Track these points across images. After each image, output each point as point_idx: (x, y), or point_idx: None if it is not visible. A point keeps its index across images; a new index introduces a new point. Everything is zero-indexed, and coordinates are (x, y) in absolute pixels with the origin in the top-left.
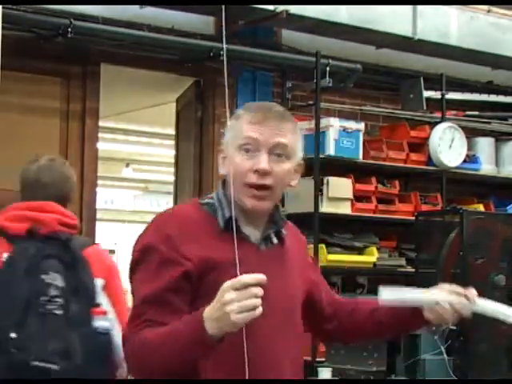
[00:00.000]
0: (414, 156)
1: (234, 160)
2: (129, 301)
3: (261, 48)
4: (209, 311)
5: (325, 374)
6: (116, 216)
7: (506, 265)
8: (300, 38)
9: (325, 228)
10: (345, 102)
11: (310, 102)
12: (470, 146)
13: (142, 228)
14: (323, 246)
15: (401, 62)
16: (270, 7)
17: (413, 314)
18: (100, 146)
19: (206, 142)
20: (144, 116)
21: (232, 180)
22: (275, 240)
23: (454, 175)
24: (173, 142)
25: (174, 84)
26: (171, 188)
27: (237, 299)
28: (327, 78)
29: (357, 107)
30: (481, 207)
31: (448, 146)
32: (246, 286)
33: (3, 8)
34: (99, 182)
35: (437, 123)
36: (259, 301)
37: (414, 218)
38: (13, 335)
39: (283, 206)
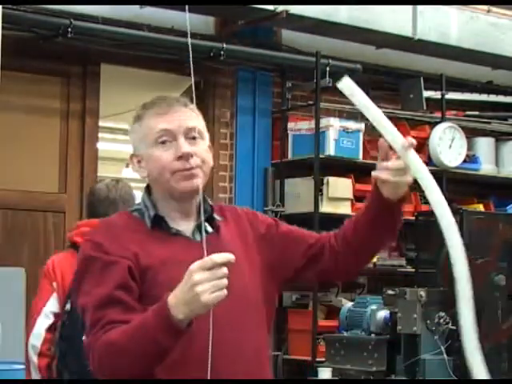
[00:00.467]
0: None
1: (153, 156)
2: None
3: (261, 48)
4: (175, 296)
5: (325, 373)
6: None
7: (506, 265)
8: (300, 37)
9: (325, 228)
10: (345, 102)
11: (310, 102)
12: (470, 146)
13: None
14: None
15: (401, 61)
16: (270, 7)
17: (374, 198)
18: (100, 145)
19: None
20: None
21: (158, 175)
22: (210, 229)
23: (454, 175)
24: None
25: (174, 84)
26: None
27: (208, 279)
28: (327, 78)
29: (357, 107)
30: (481, 207)
31: (448, 145)
32: (217, 265)
33: (3, 8)
34: None
35: (437, 123)
36: (226, 280)
37: (414, 217)
38: None
39: (283, 206)
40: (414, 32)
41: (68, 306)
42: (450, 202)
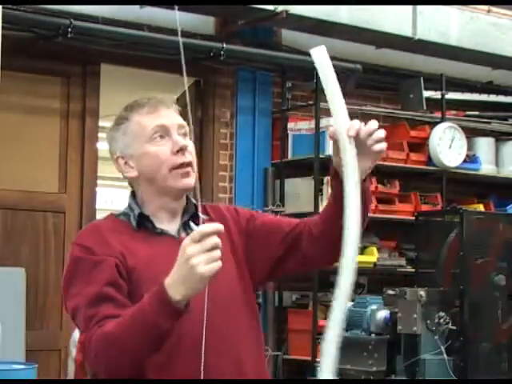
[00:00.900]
0: (413, 156)
1: (149, 153)
2: None
3: (261, 48)
4: (171, 278)
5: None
6: None
7: (506, 265)
8: (300, 37)
9: None
10: (345, 102)
11: (310, 102)
12: (470, 146)
13: None
14: None
15: (401, 61)
16: (270, 7)
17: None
18: (100, 146)
19: (205, 142)
20: None
21: (155, 172)
22: (195, 227)
23: (454, 175)
24: None
25: (174, 84)
26: None
27: (201, 250)
28: None
29: (357, 107)
30: (481, 207)
31: (448, 146)
32: (206, 235)
33: (3, 8)
34: (99, 181)
35: (437, 123)
36: (219, 252)
37: (414, 217)
38: None
39: (283, 205)
40: (413, 32)
41: None
42: (450, 202)
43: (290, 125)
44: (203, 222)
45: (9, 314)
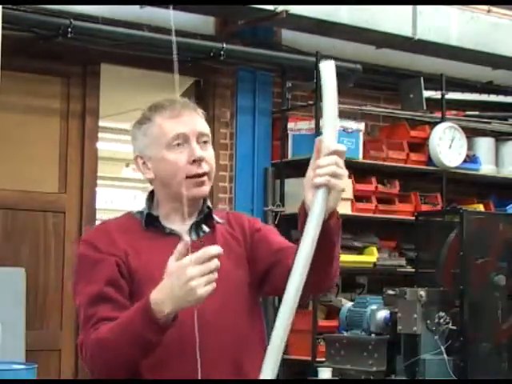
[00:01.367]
0: (413, 156)
1: (166, 159)
2: None
3: (261, 48)
4: (161, 292)
5: (325, 373)
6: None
7: (506, 265)
8: (300, 37)
9: None
10: (345, 102)
11: (310, 102)
12: (470, 146)
13: None
14: None
15: (401, 61)
16: (270, 7)
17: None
18: (100, 145)
19: None
20: None
21: (170, 178)
22: (206, 229)
23: (454, 175)
24: None
25: (174, 84)
26: None
27: (203, 272)
28: None
29: (357, 107)
30: (481, 207)
31: (448, 146)
32: (211, 258)
33: (3, 8)
34: (99, 181)
35: (437, 123)
36: (217, 274)
37: (414, 217)
38: None
39: (283, 205)
40: (413, 32)
41: None
42: (450, 202)
43: (290, 125)
44: (214, 225)
45: (9, 314)
